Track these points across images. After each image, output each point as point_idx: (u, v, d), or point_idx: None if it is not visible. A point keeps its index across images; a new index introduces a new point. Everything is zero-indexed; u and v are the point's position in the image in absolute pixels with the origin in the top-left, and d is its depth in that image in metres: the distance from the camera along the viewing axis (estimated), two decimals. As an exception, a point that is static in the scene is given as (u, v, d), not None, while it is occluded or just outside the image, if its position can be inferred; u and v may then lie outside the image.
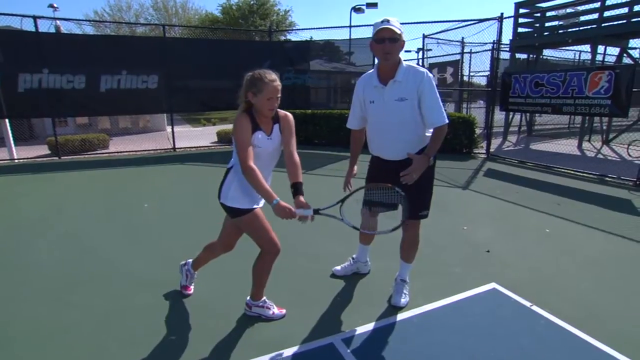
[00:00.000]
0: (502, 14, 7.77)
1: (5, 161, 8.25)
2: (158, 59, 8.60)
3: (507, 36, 9.17)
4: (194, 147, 9.88)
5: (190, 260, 2.72)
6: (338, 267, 2.99)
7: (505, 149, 9.73)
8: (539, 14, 9.72)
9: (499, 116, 9.61)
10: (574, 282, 2.89)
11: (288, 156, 2.16)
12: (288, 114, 2.23)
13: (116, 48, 8.47)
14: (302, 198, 2.04)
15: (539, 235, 3.84)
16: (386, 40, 2.16)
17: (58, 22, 13.14)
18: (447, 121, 2.26)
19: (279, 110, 2.18)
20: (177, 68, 8.83)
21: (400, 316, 2.45)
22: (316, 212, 2.03)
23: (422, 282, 2.86)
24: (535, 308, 2.52)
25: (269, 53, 9.76)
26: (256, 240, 2.23)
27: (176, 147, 9.40)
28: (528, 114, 11.09)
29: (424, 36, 9.88)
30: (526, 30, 10.00)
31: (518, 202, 4.91)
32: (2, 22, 7.82)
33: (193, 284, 2.74)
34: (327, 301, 2.63)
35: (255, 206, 2.21)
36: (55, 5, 20.74)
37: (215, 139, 12.02)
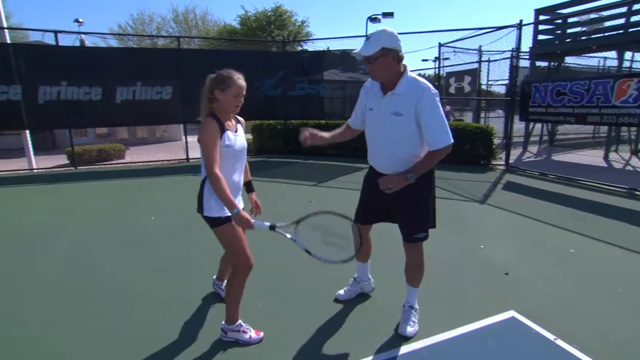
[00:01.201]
0: (521, 20, 7.51)
1: (25, 171, 8.44)
2: (172, 71, 8.70)
3: (526, 43, 8.84)
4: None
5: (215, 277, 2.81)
6: (341, 292, 2.80)
7: (526, 160, 9.37)
8: (560, 20, 9.40)
9: (518, 126, 9.29)
10: (604, 312, 2.62)
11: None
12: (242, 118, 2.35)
13: (131, 60, 8.60)
14: (253, 195, 2.46)
15: (563, 256, 3.57)
16: (367, 62, 2.10)
17: (82, 35, 13.59)
18: (451, 141, 2.10)
19: (237, 117, 2.30)
20: (191, 79, 8.87)
21: (408, 347, 2.25)
22: (272, 228, 2.06)
23: (433, 307, 2.65)
24: (560, 342, 2.27)
25: (283, 63, 9.75)
26: (230, 252, 2.23)
27: (189, 157, 9.44)
28: (549, 124, 10.68)
29: (440, 45, 9.68)
30: (547, 37, 9.67)
31: (539, 218, 4.63)
32: (32, 37, 8.08)
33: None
34: (325, 328, 2.45)
35: (227, 214, 2.12)
36: (80, 20, 21.55)
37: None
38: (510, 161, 8.09)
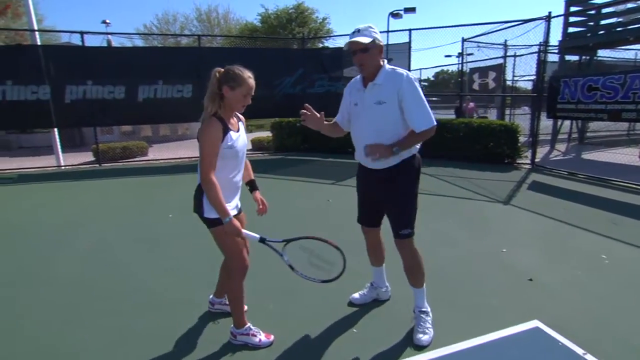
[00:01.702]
0: (550, 12, 7.16)
1: (53, 167, 8.74)
2: (193, 69, 8.78)
3: (555, 37, 8.44)
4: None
5: (211, 295, 2.61)
6: (356, 295, 2.72)
7: (553, 158, 8.98)
8: (593, 12, 8.92)
9: (545, 123, 8.89)
10: None
11: None
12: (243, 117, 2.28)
13: (153, 59, 8.75)
14: (257, 193, 2.36)
15: (593, 262, 3.36)
16: (358, 52, 2.14)
17: (109, 36, 13.97)
18: (434, 124, 2.16)
19: (239, 115, 2.22)
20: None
21: (423, 357, 2.15)
22: (262, 240, 2.12)
23: (451, 313, 2.53)
24: (590, 358, 2.11)
25: (303, 60, 9.70)
26: (226, 253, 2.19)
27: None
28: (579, 121, 10.19)
29: (464, 40, 9.38)
30: (578, 29, 9.20)
31: (568, 221, 4.38)
32: (64, 38, 8.37)
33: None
34: (337, 333, 2.37)
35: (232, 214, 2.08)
36: (107, 21, 22.18)
37: (250, 147, 12.12)
38: (537, 160, 7.76)
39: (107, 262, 3.46)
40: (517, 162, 7.86)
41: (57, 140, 8.96)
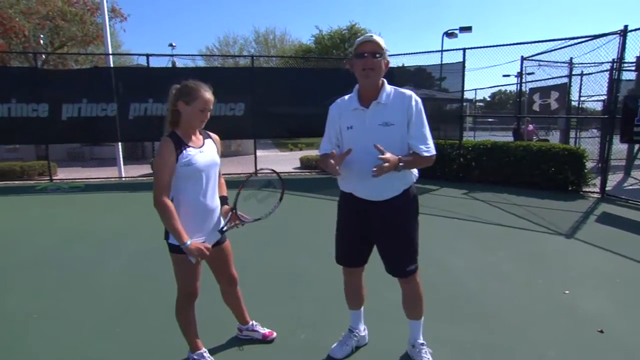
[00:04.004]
0: (626, 26, 6.52)
1: (115, 179, 9.43)
2: (245, 88, 9.12)
3: (631, 53, 7.62)
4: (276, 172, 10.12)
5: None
6: (336, 346, 2.33)
7: (628, 187, 8.03)
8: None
9: (618, 147, 8.02)
10: None
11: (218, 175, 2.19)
12: (216, 135, 2.21)
13: (206, 79, 9.14)
14: (226, 207, 2.19)
15: (680, 314, 2.85)
16: (367, 55, 1.93)
17: (174, 57, 15.09)
18: (434, 153, 2.02)
19: (209, 132, 2.16)
20: (263, 96, 9.28)
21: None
22: (221, 231, 2.09)
23: (501, 365, 2.24)
24: None
25: (353, 80, 9.68)
26: (177, 280, 2.08)
27: (257, 170, 9.73)
28: (661, 146, 9.07)
29: (523, 58, 8.85)
30: (659, 45, 8.30)
31: (646, 262, 3.81)
32: (138, 61, 9.19)
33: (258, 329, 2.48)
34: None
35: (194, 240, 1.97)
36: (174, 43, 24.10)
37: (298, 165, 12.24)
38: (608, 188, 6.96)
39: (146, 274, 3.55)
40: (584, 190, 7.12)
41: (120, 153, 9.70)
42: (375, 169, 1.81)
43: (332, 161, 1.90)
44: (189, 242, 1.90)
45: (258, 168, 2.22)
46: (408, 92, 2.03)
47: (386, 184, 2.00)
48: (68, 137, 9.43)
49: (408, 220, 2.09)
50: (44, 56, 15.08)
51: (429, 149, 2.00)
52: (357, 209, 2.10)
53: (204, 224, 2.05)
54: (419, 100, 2.02)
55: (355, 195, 2.08)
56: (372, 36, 1.99)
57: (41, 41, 15.42)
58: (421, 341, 2.23)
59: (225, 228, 2.10)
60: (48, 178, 9.07)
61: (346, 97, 2.14)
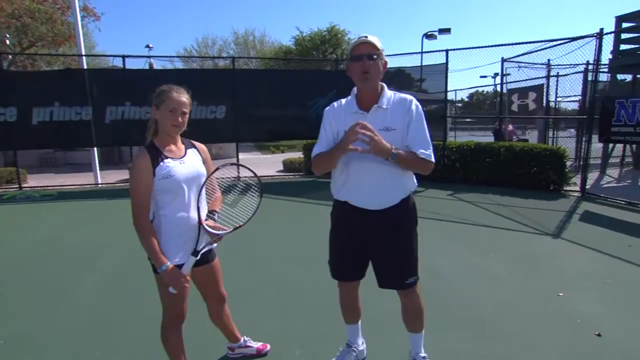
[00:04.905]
0: (602, 29, 6.69)
1: (91, 185, 9.03)
2: (227, 90, 8.90)
3: (604, 55, 7.86)
4: (258, 176, 9.93)
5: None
6: None
7: (605, 185, 8.26)
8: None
9: (593, 146, 8.24)
10: None
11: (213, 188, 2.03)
12: (202, 145, 2.04)
13: (187, 81, 8.86)
14: (210, 222, 1.89)
15: (671, 314, 2.87)
16: (364, 57, 1.83)
17: (151, 59, 14.64)
18: (433, 160, 1.90)
19: (193, 142, 2.01)
20: (245, 98, 9.09)
21: None
22: (195, 254, 1.82)
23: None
24: None
25: (335, 81, 9.63)
26: (162, 301, 1.92)
27: (240, 175, 9.52)
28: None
29: (503, 60, 8.99)
30: (631, 47, 8.60)
31: (636, 261, 3.85)
32: (113, 63, 8.80)
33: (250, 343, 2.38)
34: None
35: (177, 262, 1.82)
36: (150, 45, 23.55)
37: (281, 167, 12.06)
38: (587, 187, 7.13)
39: (123, 289, 3.34)
40: (565, 189, 7.26)
41: (96, 159, 9.29)
42: (366, 138, 1.73)
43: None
44: (164, 267, 1.73)
45: (221, 164, 1.96)
46: (409, 96, 1.95)
47: (384, 192, 1.91)
48: (39, 143, 8.89)
49: (407, 230, 2.00)
50: (10, 57, 14.38)
51: (429, 153, 1.90)
52: (352, 219, 1.98)
53: (187, 242, 1.85)
54: (419, 105, 1.94)
55: (351, 204, 1.96)
56: (367, 37, 1.86)
57: (7, 41, 14.67)
58: (423, 354, 2.14)
59: (200, 249, 1.83)
60: (17, 186, 8.60)
61: (343, 100, 2.03)
